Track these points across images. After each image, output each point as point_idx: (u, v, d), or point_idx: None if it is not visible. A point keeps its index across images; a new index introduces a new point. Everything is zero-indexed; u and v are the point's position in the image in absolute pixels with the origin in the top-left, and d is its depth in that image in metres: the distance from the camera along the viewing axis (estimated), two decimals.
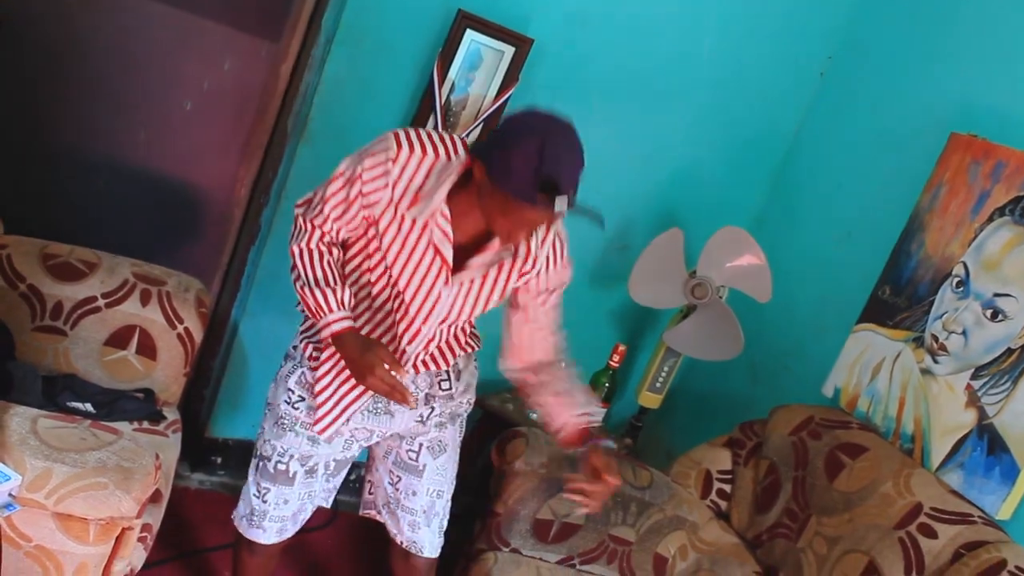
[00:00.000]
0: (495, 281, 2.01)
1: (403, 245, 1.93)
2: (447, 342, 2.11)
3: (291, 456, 2.11)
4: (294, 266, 1.97)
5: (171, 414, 2.44)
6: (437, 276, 1.95)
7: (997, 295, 2.41)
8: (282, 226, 2.90)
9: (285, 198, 2.87)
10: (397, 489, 2.23)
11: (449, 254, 1.93)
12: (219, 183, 2.98)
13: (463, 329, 2.13)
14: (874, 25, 3.14)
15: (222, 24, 2.80)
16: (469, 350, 2.17)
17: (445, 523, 2.30)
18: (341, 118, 2.83)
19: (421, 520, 2.24)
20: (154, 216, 2.96)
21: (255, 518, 2.16)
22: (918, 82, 2.90)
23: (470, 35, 2.78)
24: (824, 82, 3.28)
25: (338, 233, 1.97)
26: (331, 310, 1.91)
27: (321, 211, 1.94)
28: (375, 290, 2.00)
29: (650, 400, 3.16)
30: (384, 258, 1.95)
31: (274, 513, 2.15)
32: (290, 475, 2.12)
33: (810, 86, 3.29)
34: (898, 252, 2.74)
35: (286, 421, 2.10)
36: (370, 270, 1.99)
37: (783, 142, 3.35)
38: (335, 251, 1.98)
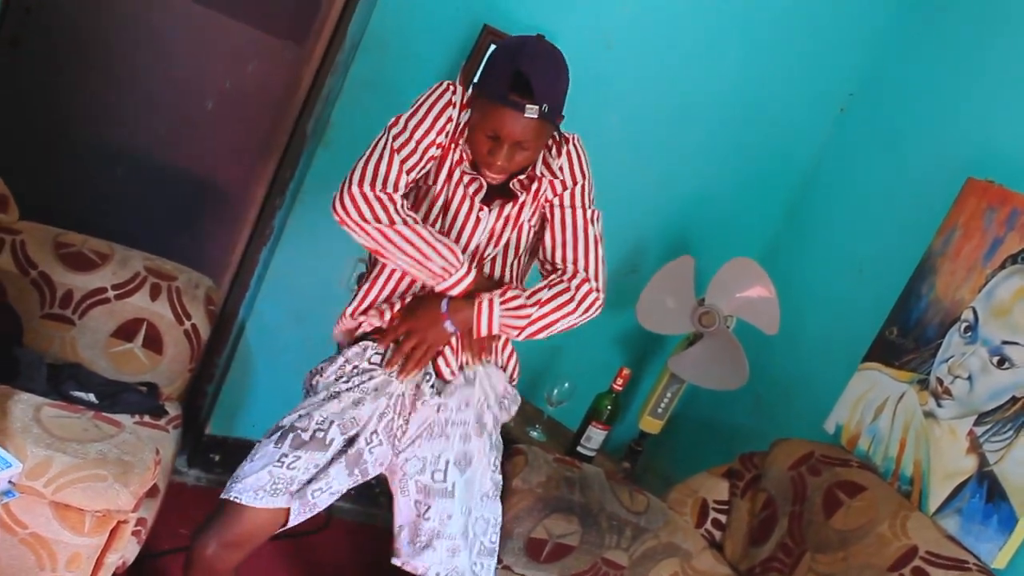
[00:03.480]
0: (518, 215, 2.08)
1: (449, 176, 2.04)
2: None
3: (331, 423, 1.97)
4: (388, 240, 1.92)
5: (173, 409, 2.45)
6: (473, 201, 2.05)
7: (1005, 343, 2.40)
8: (296, 228, 2.91)
9: (300, 200, 2.88)
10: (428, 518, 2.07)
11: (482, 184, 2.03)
12: (236, 182, 3.00)
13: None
14: (896, 65, 3.15)
15: (249, 25, 2.82)
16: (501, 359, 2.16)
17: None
18: (361, 123, 2.83)
19: (461, 544, 2.08)
20: (169, 211, 2.98)
21: (279, 485, 1.90)
22: (938, 124, 2.90)
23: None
24: (843, 118, 3.28)
25: (407, 187, 1.99)
26: (460, 261, 1.96)
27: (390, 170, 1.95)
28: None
29: (651, 425, 3.15)
30: (432, 189, 2.05)
31: (305, 481, 1.93)
32: (327, 442, 1.95)
33: (829, 121, 3.29)
34: (908, 293, 2.74)
35: (336, 389, 2.01)
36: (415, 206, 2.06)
37: (799, 175, 3.35)
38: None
